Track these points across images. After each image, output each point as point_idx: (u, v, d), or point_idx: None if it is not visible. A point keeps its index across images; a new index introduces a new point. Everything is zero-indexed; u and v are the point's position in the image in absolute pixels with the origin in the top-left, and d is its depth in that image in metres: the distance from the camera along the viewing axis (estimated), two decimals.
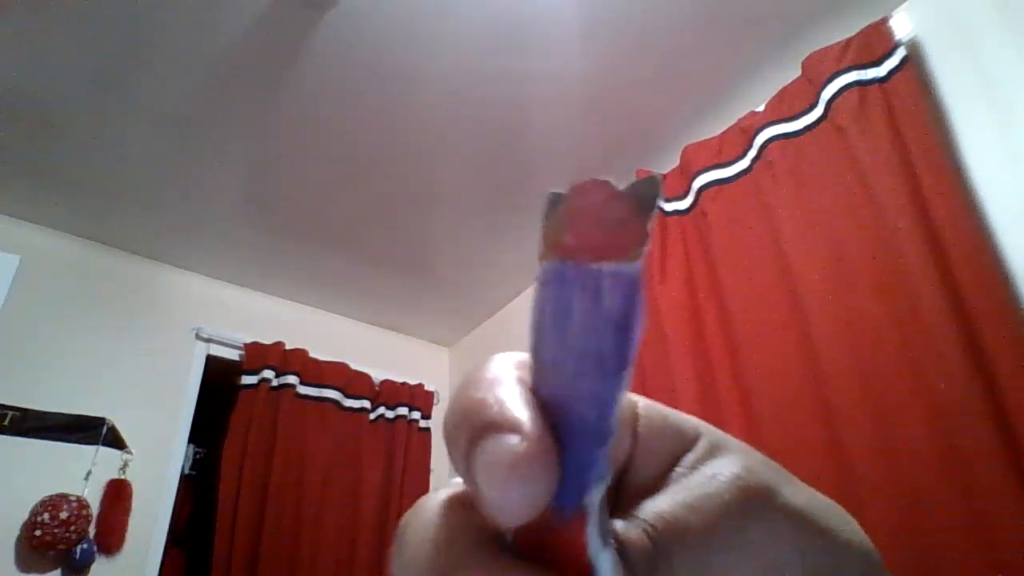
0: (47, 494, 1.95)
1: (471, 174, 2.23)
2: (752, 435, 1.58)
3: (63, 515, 1.91)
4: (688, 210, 1.97)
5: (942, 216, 1.37)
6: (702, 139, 1.98)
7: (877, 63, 1.57)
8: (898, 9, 1.67)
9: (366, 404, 2.73)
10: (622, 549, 0.16)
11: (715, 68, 1.88)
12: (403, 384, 2.85)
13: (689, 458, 0.18)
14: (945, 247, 1.35)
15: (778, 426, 1.54)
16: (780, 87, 1.79)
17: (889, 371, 1.36)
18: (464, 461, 0.15)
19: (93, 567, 1.98)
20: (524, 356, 0.17)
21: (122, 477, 2.12)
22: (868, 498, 1.30)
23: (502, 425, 0.15)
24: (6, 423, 2.01)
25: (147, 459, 2.21)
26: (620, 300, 0.15)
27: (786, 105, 1.76)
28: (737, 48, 1.82)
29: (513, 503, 0.14)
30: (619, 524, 0.16)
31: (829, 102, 1.64)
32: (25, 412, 2.05)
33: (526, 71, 1.86)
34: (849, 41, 1.63)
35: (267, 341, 2.58)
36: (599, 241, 0.16)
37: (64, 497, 1.95)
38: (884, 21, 1.59)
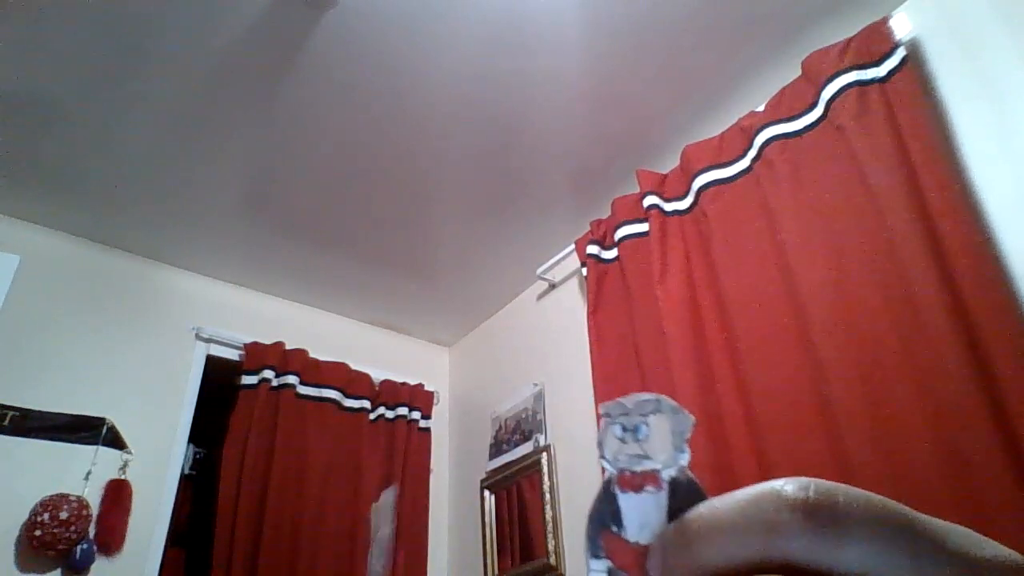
0: (47, 494, 1.95)
1: (471, 174, 2.23)
2: (752, 435, 1.58)
3: (63, 515, 1.91)
4: (688, 210, 1.97)
5: (942, 215, 1.37)
6: (702, 139, 1.98)
7: (877, 63, 1.57)
8: (898, 9, 1.67)
9: (366, 404, 2.73)
10: None
11: (715, 68, 1.88)
12: (403, 384, 2.85)
13: None
14: (945, 246, 1.35)
15: (778, 426, 1.54)
16: (780, 87, 1.80)
17: (889, 371, 1.36)
18: None
19: (93, 567, 1.98)
20: None
21: (122, 477, 2.12)
22: None
23: None
24: (6, 423, 2.01)
25: (147, 459, 2.21)
26: None
27: (786, 105, 1.76)
28: (737, 48, 1.82)
29: None
30: None
31: (829, 102, 1.64)
32: (25, 412, 2.05)
33: (526, 71, 1.86)
34: (849, 41, 1.63)
35: (267, 341, 2.58)
36: None
37: (64, 497, 1.95)
38: (884, 21, 1.59)
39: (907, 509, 0.20)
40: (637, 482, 0.23)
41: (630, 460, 0.24)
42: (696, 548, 0.21)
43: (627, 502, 0.24)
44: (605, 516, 0.24)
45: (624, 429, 0.24)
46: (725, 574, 0.20)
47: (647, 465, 0.24)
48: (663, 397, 0.24)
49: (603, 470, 0.24)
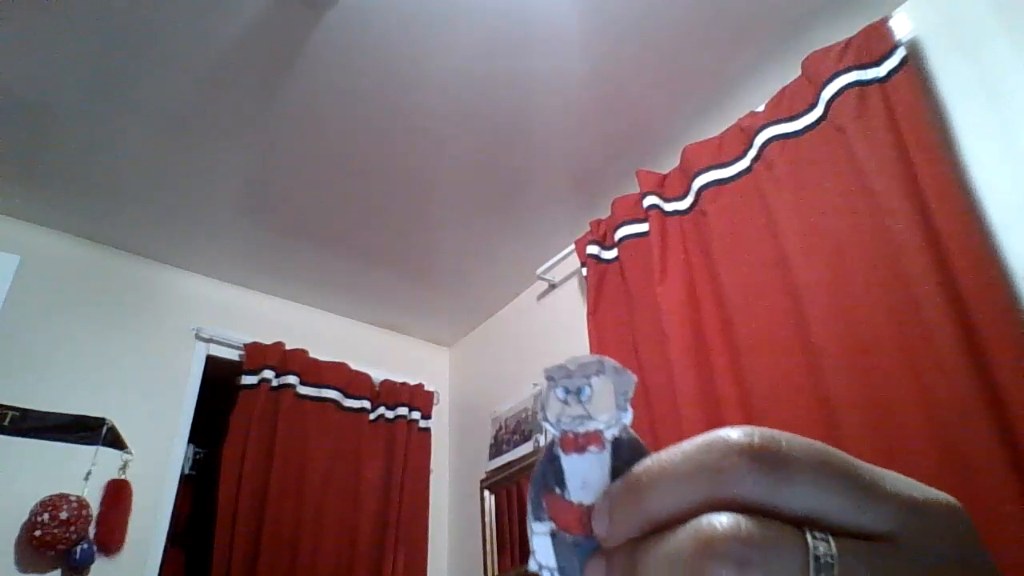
0: (47, 494, 1.94)
1: (471, 174, 2.23)
2: None
3: (63, 515, 1.91)
4: (688, 210, 1.97)
5: (942, 216, 1.37)
6: (702, 139, 1.98)
7: (877, 63, 1.57)
8: (898, 9, 1.67)
9: (366, 404, 2.73)
10: None
11: (715, 68, 1.88)
12: (403, 384, 2.85)
13: None
14: (945, 247, 1.35)
15: (778, 425, 1.53)
16: (780, 87, 1.80)
17: (888, 371, 1.36)
18: None
19: (93, 567, 1.98)
20: None
21: (122, 477, 2.12)
22: None
23: None
24: (6, 423, 2.01)
25: (147, 459, 2.21)
26: None
27: (786, 105, 1.76)
28: (737, 48, 1.82)
29: None
30: None
31: (829, 102, 1.64)
32: (25, 412, 2.05)
33: (526, 72, 1.86)
34: (849, 41, 1.63)
35: (267, 341, 2.58)
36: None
37: (64, 497, 1.95)
38: (884, 21, 1.59)
39: (846, 455, 0.21)
40: (580, 443, 0.23)
41: (573, 422, 0.24)
42: (646, 498, 0.21)
43: (570, 463, 0.24)
44: (548, 478, 0.24)
45: (567, 391, 0.24)
46: (674, 521, 0.20)
47: (590, 426, 0.23)
48: (606, 358, 0.24)
49: (546, 433, 0.24)
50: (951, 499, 0.22)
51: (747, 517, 0.19)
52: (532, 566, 0.24)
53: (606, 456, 0.23)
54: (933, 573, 0.20)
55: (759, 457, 0.20)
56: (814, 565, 0.19)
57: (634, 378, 0.24)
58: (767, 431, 0.21)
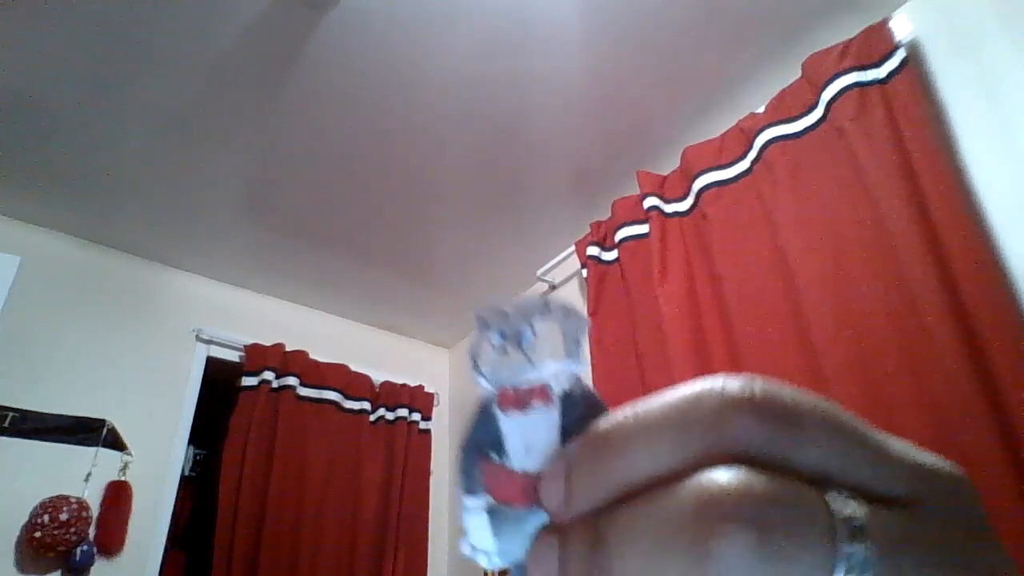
0: (47, 496, 1.95)
1: (471, 175, 2.23)
2: None
3: (63, 516, 1.91)
4: (688, 211, 1.97)
5: (942, 216, 1.37)
6: (702, 140, 1.98)
7: (877, 64, 1.57)
8: (898, 10, 1.67)
9: (366, 406, 2.73)
10: None
11: (715, 69, 1.88)
12: (403, 385, 2.85)
13: None
14: (945, 247, 1.35)
15: None
16: (780, 88, 1.80)
17: (889, 371, 1.36)
18: None
19: (93, 568, 1.98)
20: None
21: (122, 478, 2.12)
22: None
23: None
24: (6, 424, 2.01)
25: (147, 460, 2.21)
26: None
27: (786, 106, 1.76)
28: (737, 49, 1.82)
29: None
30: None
31: (829, 103, 1.64)
32: (25, 413, 2.05)
33: (526, 72, 1.86)
34: (849, 42, 1.63)
35: (267, 342, 2.58)
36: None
37: (64, 498, 1.95)
38: (884, 22, 1.59)
39: (849, 413, 0.19)
40: (522, 399, 0.19)
41: (512, 373, 0.20)
42: (616, 458, 0.18)
43: (510, 424, 0.19)
44: (482, 443, 0.20)
45: (503, 336, 0.20)
46: (655, 483, 0.17)
47: (533, 377, 0.19)
48: (550, 297, 0.20)
49: (480, 388, 0.20)
50: (956, 467, 0.20)
51: (759, 472, 0.17)
52: (465, 550, 0.20)
53: (554, 413, 0.19)
54: (953, 540, 0.19)
55: (763, 410, 0.17)
56: (842, 527, 0.16)
57: (587, 320, 0.20)
58: (765, 380, 0.18)
